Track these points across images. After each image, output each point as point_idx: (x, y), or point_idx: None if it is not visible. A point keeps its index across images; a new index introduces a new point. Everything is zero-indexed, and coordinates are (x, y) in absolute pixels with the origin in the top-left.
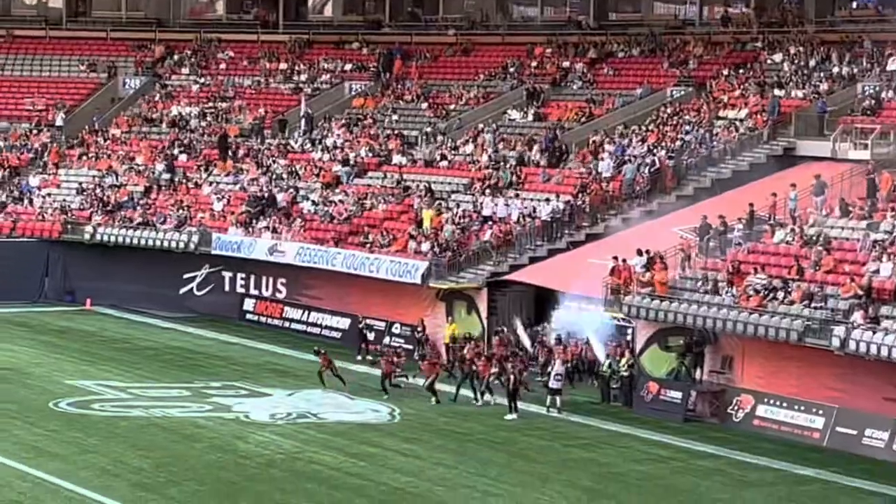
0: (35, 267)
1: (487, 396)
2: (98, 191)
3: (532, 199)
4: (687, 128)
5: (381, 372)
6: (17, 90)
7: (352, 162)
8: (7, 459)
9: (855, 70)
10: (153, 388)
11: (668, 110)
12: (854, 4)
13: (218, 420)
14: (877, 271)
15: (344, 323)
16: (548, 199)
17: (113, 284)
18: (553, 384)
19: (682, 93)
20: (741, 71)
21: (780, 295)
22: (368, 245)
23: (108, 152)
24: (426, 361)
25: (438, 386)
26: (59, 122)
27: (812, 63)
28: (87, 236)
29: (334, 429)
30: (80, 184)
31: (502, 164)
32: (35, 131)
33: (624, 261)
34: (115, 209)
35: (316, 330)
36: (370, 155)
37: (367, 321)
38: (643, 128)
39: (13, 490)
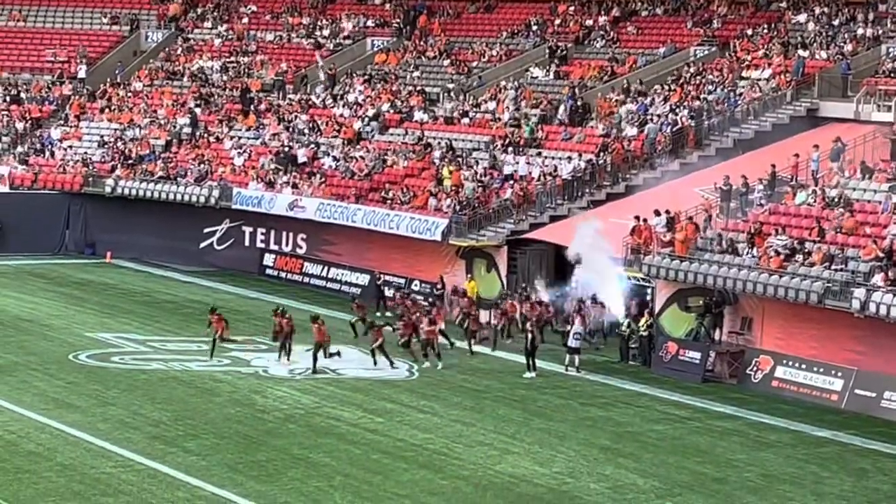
0: (56, 219)
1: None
2: (119, 144)
3: (553, 158)
4: (710, 88)
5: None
6: (40, 42)
7: (373, 118)
8: (27, 411)
9: (880, 31)
10: (172, 341)
11: (691, 70)
12: None
13: (237, 374)
14: None
15: (363, 279)
16: (569, 158)
17: (133, 237)
18: (572, 343)
19: (706, 52)
20: (765, 31)
21: (801, 256)
22: (389, 202)
23: (130, 105)
24: (402, 321)
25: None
26: (81, 75)
27: (837, 23)
28: (108, 189)
29: (353, 385)
30: (102, 136)
31: (523, 122)
32: (57, 83)
33: (645, 220)
34: (136, 162)
35: (335, 286)
36: (391, 111)
37: (386, 277)
38: (665, 87)
39: (32, 441)
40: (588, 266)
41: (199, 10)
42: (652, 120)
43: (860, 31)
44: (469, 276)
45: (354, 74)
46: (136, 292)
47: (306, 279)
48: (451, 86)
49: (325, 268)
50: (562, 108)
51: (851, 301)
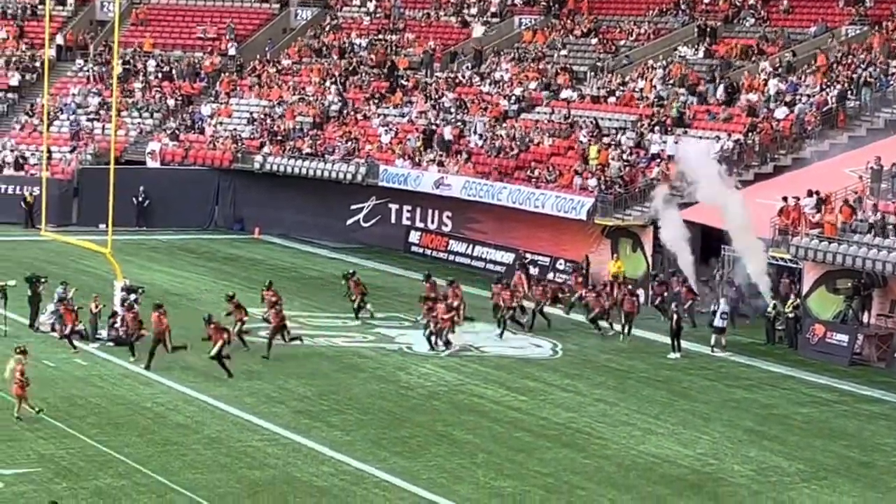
0: (206, 195)
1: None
2: (268, 120)
3: (700, 138)
4: (861, 67)
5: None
6: (191, 19)
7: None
8: (175, 384)
9: None
10: (318, 317)
11: (842, 49)
12: None
13: (381, 351)
14: None
15: (508, 258)
16: (717, 138)
17: (281, 214)
18: (718, 323)
19: (857, 31)
20: None
21: None
22: (534, 180)
23: (279, 82)
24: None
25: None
26: (231, 52)
27: None
28: (256, 165)
29: (496, 363)
30: (251, 113)
31: (670, 100)
32: (208, 60)
33: (797, 199)
34: (284, 139)
35: (480, 264)
36: (538, 90)
37: (530, 255)
38: (816, 66)
39: (180, 414)
40: (738, 246)
41: None
42: (801, 100)
43: None
44: (614, 255)
45: (502, 52)
46: (283, 268)
47: (451, 257)
48: (599, 64)
49: (471, 245)
50: (710, 87)
51: None
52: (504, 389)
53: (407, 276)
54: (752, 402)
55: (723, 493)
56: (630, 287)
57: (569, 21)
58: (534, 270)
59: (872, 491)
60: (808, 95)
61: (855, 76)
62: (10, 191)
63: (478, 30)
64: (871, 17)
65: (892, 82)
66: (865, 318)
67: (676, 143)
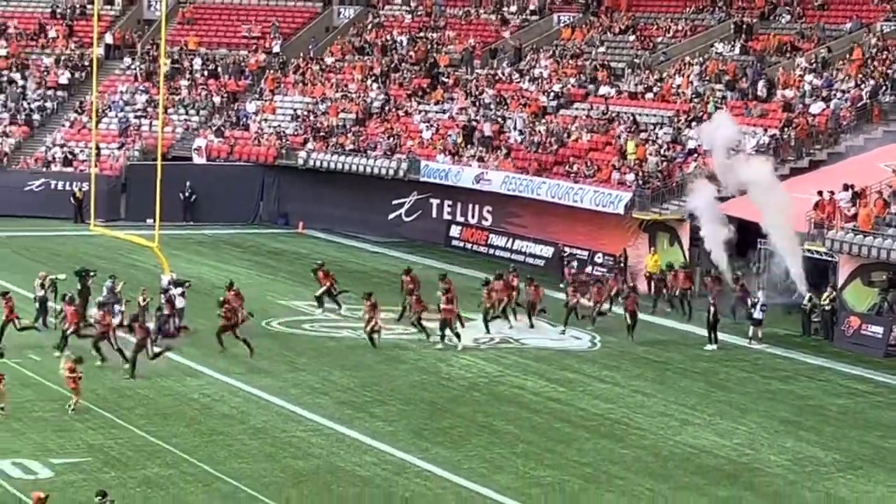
0: (250, 190)
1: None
2: (312, 117)
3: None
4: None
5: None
6: (236, 18)
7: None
8: (221, 375)
9: None
10: (359, 309)
11: (878, 45)
12: None
13: (422, 343)
14: None
15: (547, 251)
16: (753, 133)
17: (324, 209)
18: (757, 315)
19: (892, 28)
20: None
21: None
22: (572, 175)
23: (322, 80)
24: (415, 298)
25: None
26: (275, 50)
27: None
28: (300, 161)
29: (535, 354)
30: (295, 110)
31: (707, 96)
32: (252, 58)
33: (832, 193)
34: (327, 135)
35: (520, 257)
36: (576, 86)
37: (569, 249)
38: (851, 62)
39: (226, 404)
40: (775, 240)
41: None
42: (836, 95)
43: None
44: (652, 248)
45: (541, 49)
46: (327, 262)
47: (491, 251)
48: (636, 61)
49: (511, 240)
50: (747, 82)
51: None
52: (543, 381)
53: (448, 269)
54: (787, 393)
55: (759, 483)
56: (632, 285)
57: (606, 18)
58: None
59: None
60: (843, 91)
61: (890, 72)
62: (59, 187)
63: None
64: None
65: None
66: None
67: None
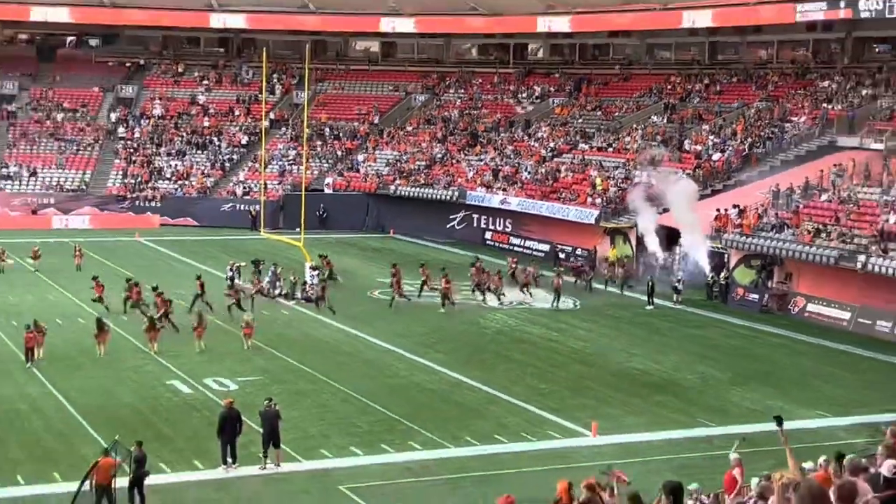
0: (360, 209)
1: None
2: (398, 164)
3: (666, 172)
4: (765, 128)
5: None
6: (352, 102)
7: (553, 150)
8: (343, 326)
9: (875, 92)
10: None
11: (754, 116)
12: (876, 49)
13: (467, 306)
14: (887, 220)
15: (545, 247)
16: (676, 171)
17: (406, 221)
18: (679, 287)
19: (764, 105)
20: (802, 92)
21: (824, 235)
22: (562, 199)
23: (405, 140)
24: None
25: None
26: (375, 121)
27: (848, 87)
28: (391, 191)
29: (540, 312)
30: (388, 159)
31: (646, 149)
32: (361, 127)
33: (726, 210)
34: (408, 175)
35: (529, 251)
36: (564, 143)
37: (560, 246)
38: (736, 127)
39: (346, 345)
40: (690, 239)
41: (447, 81)
42: (728, 148)
43: (864, 92)
44: (612, 245)
45: (542, 120)
46: (409, 254)
47: (510, 247)
48: (602, 127)
49: (523, 240)
50: (672, 140)
51: (856, 263)
52: (544, 328)
53: (484, 259)
54: (699, 336)
55: (680, 392)
56: (560, 270)
57: (583, 101)
58: (562, 255)
59: (773, 389)
60: (733, 146)
61: (762, 133)
62: (241, 208)
63: (520, 110)
64: (772, 96)
65: (784, 138)
66: (770, 284)
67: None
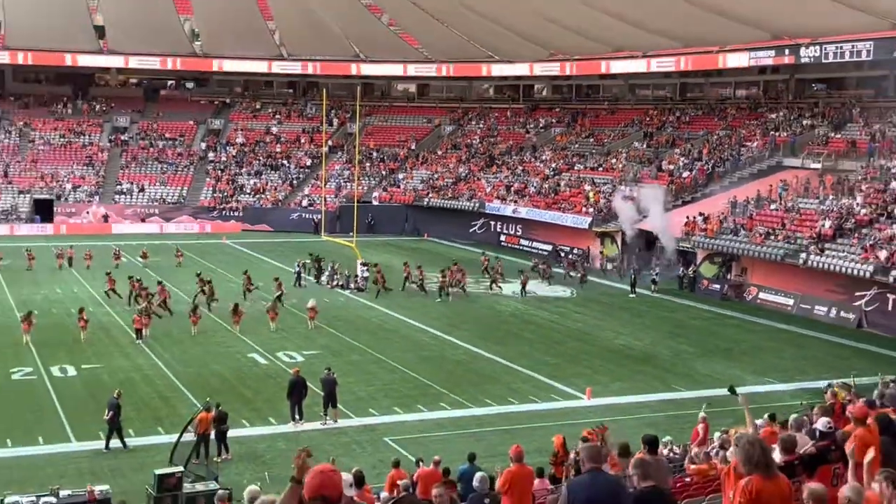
0: (401, 217)
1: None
2: (430, 181)
3: (644, 186)
4: (726, 150)
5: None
6: (393, 132)
7: (555, 169)
8: (386, 309)
9: (813, 122)
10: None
11: (716, 141)
12: (814, 87)
13: (483, 294)
14: (823, 225)
15: (548, 247)
16: (653, 186)
17: (437, 226)
18: (655, 279)
19: (724, 133)
20: (754, 122)
21: (772, 237)
22: (562, 209)
23: (436, 162)
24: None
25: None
26: (412, 147)
27: (791, 118)
28: (425, 202)
29: (544, 298)
30: (422, 178)
31: (630, 168)
32: (401, 152)
33: (694, 217)
34: (439, 189)
35: (534, 249)
36: (564, 164)
37: (560, 246)
38: (702, 151)
39: (388, 324)
40: (664, 241)
41: (470, 115)
42: (695, 167)
43: (804, 122)
44: (602, 245)
45: (545, 146)
46: (439, 253)
47: (520, 247)
48: (594, 151)
49: (531, 241)
50: (651, 161)
51: (799, 259)
52: (547, 312)
53: (500, 256)
54: (671, 318)
55: (657, 363)
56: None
57: (579, 130)
58: (562, 253)
59: (731, 361)
60: (699, 165)
61: (723, 156)
62: (306, 216)
63: (529, 137)
64: (731, 126)
65: (740, 159)
66: (729, 276)
67: (632, 189)
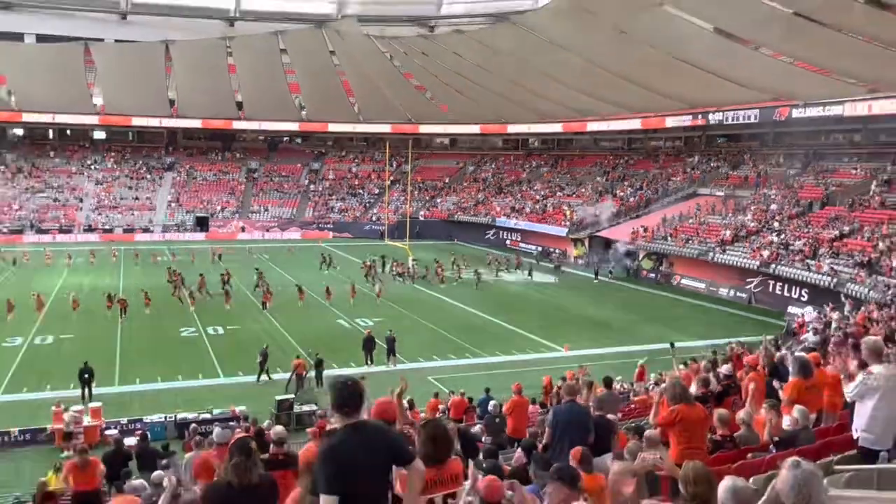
0: (438, 228)
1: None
2: (461, 203)
3: (597, 206)
4: (659, 184)
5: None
6: (434, 171)
7: (542, 196)
8: (433, 292)
9: (720, 164)
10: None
11: (652, 177)
12: (719, 140)
13: (495, 280)
14: (725, 234)
15: (535, 248)
16: (610, 206)
17: (463, 234)
18: (613, 270)
19: (658, 171)
20: (679, 164)
21: (691, 241)
22: (548, 222)
23: (462, 192)
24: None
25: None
26: (446, 181)
27: (706, 161)
28: (455, 217)
29: (537, 282)
30: (453, 201)
31: (596, 194)
32: (439, 184)
33: (638, 229)
34: (464, 209)
35: (528, 249)
36: (549, 193)
37: (547, 247)
38: (643, 183)
39: (431, 301)
40: (617, 244)
41: (485, 159)
42: (637, 195)
43: (711, 164)
44: (574, 247)
45: (537, 180)
46: (462, 252)
47: (519, 245)
48: (569, 183)
49: (526, 244)
50: (609, 191)
51: (709, 256)
52: (539, 293)
53: (504, 254)
54: (622, 296)
55: (614, 328)
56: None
57: (560, 169)
58: (549, 252)
59: (664, 326)
60: (640, 192)
61: (657, 187)
62: (375, 227)
63: (524, 175)
64: (662, 166)
65: (668, 189)
66: (662, 268)
67: (596, 209)
